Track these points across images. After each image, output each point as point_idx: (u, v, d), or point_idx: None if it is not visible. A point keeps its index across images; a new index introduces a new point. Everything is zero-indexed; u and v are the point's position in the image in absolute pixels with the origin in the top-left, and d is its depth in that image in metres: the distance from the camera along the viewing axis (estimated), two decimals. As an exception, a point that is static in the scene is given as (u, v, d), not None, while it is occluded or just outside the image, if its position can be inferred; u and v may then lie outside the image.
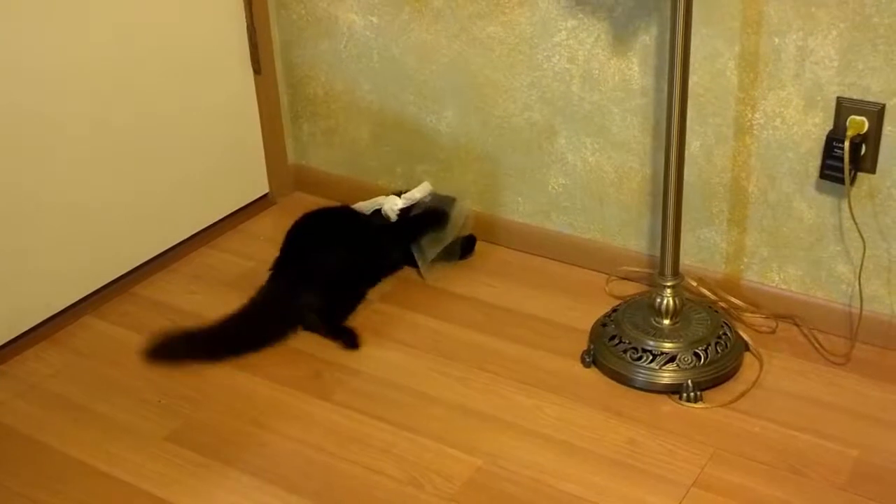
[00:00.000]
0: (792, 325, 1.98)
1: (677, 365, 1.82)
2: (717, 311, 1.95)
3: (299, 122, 2.51)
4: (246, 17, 2.33)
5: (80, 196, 2.06)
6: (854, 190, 1.83)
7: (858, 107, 1.78)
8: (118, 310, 2.12)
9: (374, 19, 2.26)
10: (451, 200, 2.22)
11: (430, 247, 2.17)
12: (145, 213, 2.21)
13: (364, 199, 2.24)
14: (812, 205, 1.90)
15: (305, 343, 2.00)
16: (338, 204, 2.29)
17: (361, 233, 2.15)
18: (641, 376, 1.83)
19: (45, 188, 1.99)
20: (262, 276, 2.18)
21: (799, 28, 1.78)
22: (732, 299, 2.01)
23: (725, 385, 1.83)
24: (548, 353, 1.94)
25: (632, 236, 2.14)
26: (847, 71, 1.77)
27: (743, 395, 1.81)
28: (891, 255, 1.86)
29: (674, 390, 1.81)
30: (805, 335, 1.96)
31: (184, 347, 1.96)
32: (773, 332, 1.97)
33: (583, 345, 1.94)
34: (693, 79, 1.87)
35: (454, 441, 1.73)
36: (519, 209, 2.26)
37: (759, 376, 1.85)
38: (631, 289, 2.11)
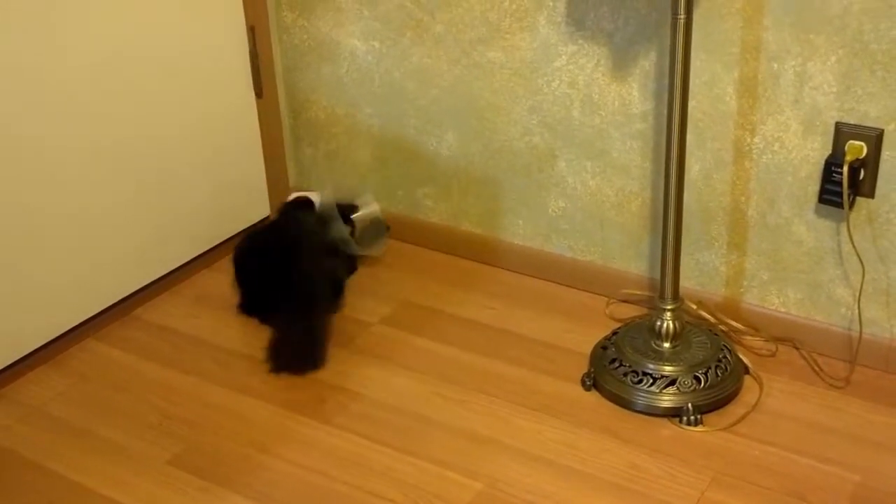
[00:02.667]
0: (792, 349, 1.99)
1: (677, 388, 1.82)
2: (716, 335, 1.96)
3: (301, 145, 2.52)
4: (248, 41, 2.35)
5: (82, 219, 2.07)
6: (853, 214, 1.84)
7: (857, 132, 1.79)
8: (120, 333, 2.12)
9: (376, 44, 2.27)
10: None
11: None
12: (147, 235, 2.22)
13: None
14: (811, 229, 1.91)
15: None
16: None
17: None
18: (642, 399, 1.83)
19: (45, 211, 1.99)
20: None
21: (798, 54, 1.80)
22: (732, 322, 2.01)
23: (726, 408, 1.83)
24: (548, 376, 1.95)
25: (632, 259, 2.15)
26: (845, 96, 1.78)
27: (743, 418, 1.81)
28: (889, 279, 1.87)
29: (674, 414, 1.81)
30: (805, 358, 1.96)
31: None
32: (773, 355, 1.98)
33: (583, 368, 1.94)
34: (692, 103, 1.89)
35: (455, 464, 1.73)
36: (519, 232, 2.27)
37: (759, 400, 1.85)
38: (631, 312, 2.12)
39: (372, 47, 2.28)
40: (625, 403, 1.85)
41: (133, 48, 2.09)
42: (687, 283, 2.04)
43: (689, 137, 1.84)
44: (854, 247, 1.85)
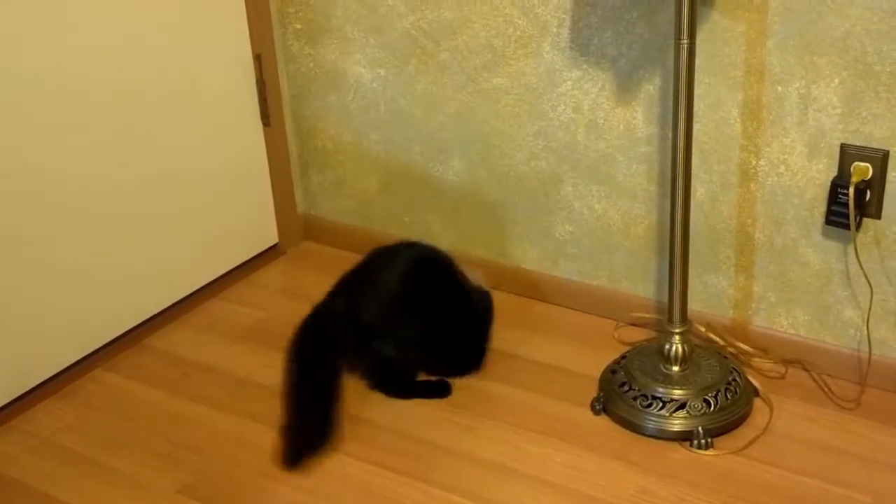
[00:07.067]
0: (801, 370, 1.98)
1: (687, 412, 1.82)
2: (726, 357, 1.95)
3: (308, 172, 2.53)
4: (255, 70, 2.36)
5: (90, 249, 2.07)
6: (860, 235, 1.84)
7: (862, 153, 1.79)
8: (129, 362, 2.13)
9: (382, 72, 2.29)
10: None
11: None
12: (155, 264, 2.22)
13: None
14: (818, 250, 1.91)
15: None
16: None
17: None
18: (652, 423, 1.83)
19: (54, 242, 2.00)
20: (273, 326, 2.19)
21: (801, 76, 1.80)
22: (741, 345, 2.01)
23: (736, 431, 1.83)
24: (557, 400, 1.94)
25: (639, 282, 2.15)
26: (850, 118, 1.79)
27: (753, 441, 1.80)
28: (898, 300, 1.87)
29: (684, 437, 1.80)
30: (815, 380, 1.96)
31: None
32: (783, 377, 1.97)
33: (592, 392, 1.94)
34: (697, 127, 1.89)
35: (464, 491, 1.73)
36: (526, 256, 2.27)
37: (769, 422, 1.85)
38: (639, 335, 2.12)
39: (378, 75, 2.30)
40: (635, 427, 1.84)
41: (140, 77, 2.11)
42: (695, 305, 2.04)
43: (695, 160, 1.85)
44: (862, 268, 1.85)
